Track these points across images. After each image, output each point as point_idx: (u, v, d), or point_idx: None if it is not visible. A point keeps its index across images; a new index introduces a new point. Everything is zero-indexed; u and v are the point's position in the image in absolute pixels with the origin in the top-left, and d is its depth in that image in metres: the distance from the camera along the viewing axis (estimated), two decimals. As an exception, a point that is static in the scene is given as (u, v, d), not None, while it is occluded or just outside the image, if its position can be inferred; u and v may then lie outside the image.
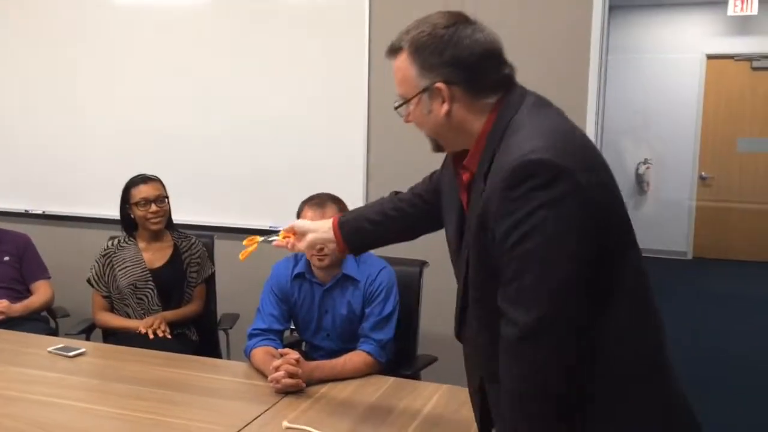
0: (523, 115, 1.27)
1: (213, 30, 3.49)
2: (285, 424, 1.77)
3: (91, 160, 3.75)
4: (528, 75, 3.13)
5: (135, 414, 1.86)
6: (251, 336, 2.30)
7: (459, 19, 1.31)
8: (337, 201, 2.36)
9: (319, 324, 2.37)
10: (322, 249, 2.15)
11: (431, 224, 1.65)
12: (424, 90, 1.32)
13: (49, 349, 2.36)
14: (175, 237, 2.95)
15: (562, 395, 1.18)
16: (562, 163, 1.16)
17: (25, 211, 3.90)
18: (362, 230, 1.71)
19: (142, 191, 2.83)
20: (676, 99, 7.07)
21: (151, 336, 2.63)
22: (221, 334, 3.04)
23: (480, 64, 1.29)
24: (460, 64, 1.28)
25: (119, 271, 2.83)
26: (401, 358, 2.43)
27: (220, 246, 3.16)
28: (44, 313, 3.15)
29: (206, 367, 2.26)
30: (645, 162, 7.27)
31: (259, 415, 1.84)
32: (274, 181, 3.45)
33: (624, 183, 7.24)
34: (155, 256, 2.89)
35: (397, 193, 1.74)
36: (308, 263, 2.35)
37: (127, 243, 2.89)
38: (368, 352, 2.19)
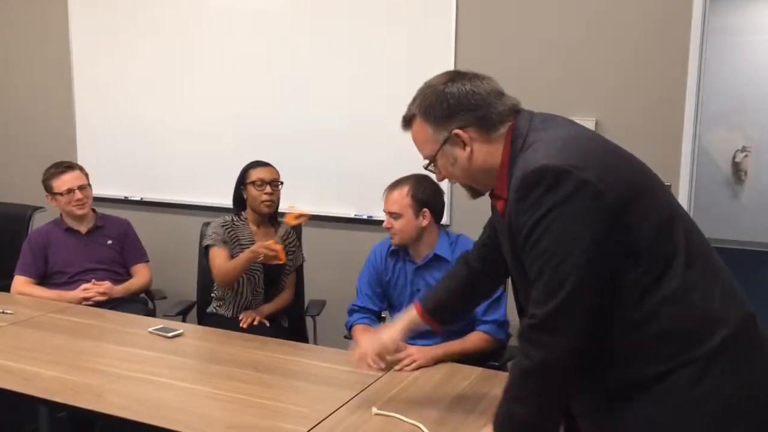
0: (532, 134, 1.39)
1: (298, 27, 3.55)
2: (374, 410, 1.79)
3: (186, 150, 3.90)
4: (626, 58, 3.06)
5: (230, 394, 1.93)
6: (350, 312, 2.54)
7: (454, 75, 1.47)
8: (412, 180, 2.45)
9: (411, 302, 2.38)
10: (390, 227, 2.42)
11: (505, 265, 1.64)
12: (445, 141, 1.46)
13: (149, 329, 2.48)
14: (277, 225, 2.97)
15: (564, 375, 1.32)
16: (562, 164, 1.26)
17: (125, 197, 4.10)
18: (450, 308, 1.86)
19: (260, 172, 2.89)
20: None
21: (246, 326, 2.71)
22: (308, 320, 3.11)
23: (483, 103, 1.43)
24: (466, 108, 1.43)
25: (233, 247, 2.86)
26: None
27: (307, 233, 3.23)
28: (143, 295, 3.31)
29: (298, 352, 2.32)
30: (743, 150, 6.89)
31: (348, 401, 1.88)
32: (358, 173, 3.49)
33: (720, 172, 6.90)
34: (264, 240, 2.84)
35: (465, 259, 1.83)
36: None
37: (240, 222, 2.93)
38: (485, 332, 2.32)
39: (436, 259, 2.41)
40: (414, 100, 1.52)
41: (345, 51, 3.47)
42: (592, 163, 1.28)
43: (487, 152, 1.44)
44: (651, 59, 2.84)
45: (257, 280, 2.88)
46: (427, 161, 1.53)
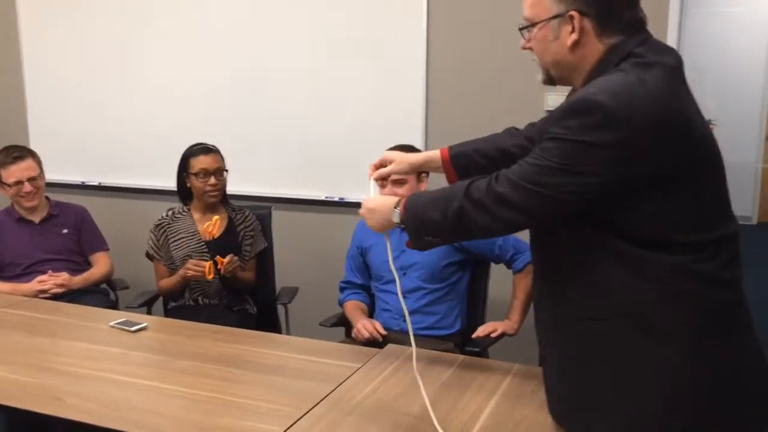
0: (628, 62, 1.28)
1: (258, 1, 3.38)
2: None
3: (146, 131, 3.72)
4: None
5: (201, 393, 1.81)
6: (341, 288, 2.62)
7: None
8: (411, 149, 2.38)
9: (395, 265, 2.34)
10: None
11: None
12: (556, 16, 1.32)
13: (111, 323, 2.34)
14: (228, 210, 2.89)
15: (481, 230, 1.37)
16: (619, 113, 1.19)
17: (81, 182, 3.91)
18: (476, 166, 1.69)
19: (201, 162, 2.76)
20: (744, 56, 6.69)
21: (210, 276, 2.64)
22: (280, 308, 2.99)
23: (621, 3, 1.31)
24: None
25: (173, 242, 2.80)
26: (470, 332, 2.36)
27: (278, 217, 3.10)
28: (104, 286, 3.16)
29: (270, 343, 2.20)
30: (709, 122, 6.92)
31: (327, 395, 1.77)
32: (330, 153, 3.36)
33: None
34: (209, 227, 2.79)
35: (516, 129, 1.71)
36: None
37: (182, 214, 2.85)
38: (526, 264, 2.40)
39: None
40: None
41: (309, 26, 3.32)
42: (650, 127, 1.21)
43: (589, 50, 1.33)
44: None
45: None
46: (525, 23, 1.39)
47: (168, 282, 2.81)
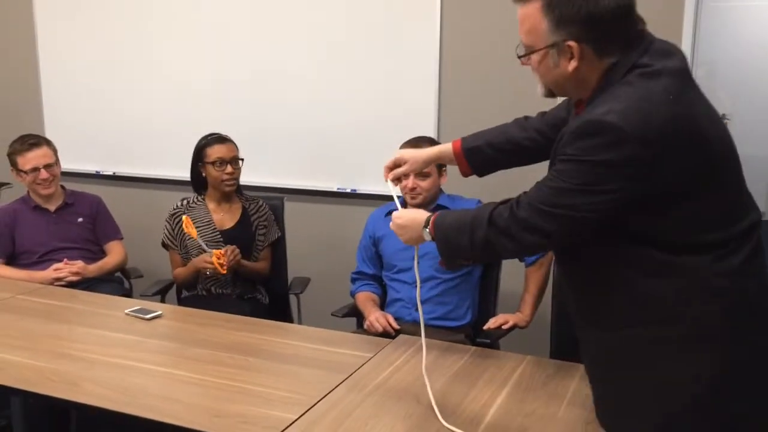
0: (632, 75, 1.28)
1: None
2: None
3: (160, 122, 3.75)
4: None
5: (215, 380, 1.84)
6: (352, 280, 2.64)
7: None
8: (431, 142, 2.45)
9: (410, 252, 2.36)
10: (414, 188, 2.40)
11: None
12: (553, 45, 1.32)
13: (127, 311, 2.37)
14: (242, 199, 2.91)
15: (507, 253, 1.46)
16: (628, 130, 1.20)
17: (96, 172, 3.94)
18: (487, 159, 1.71)
19: (217, 151, 2.77)
20: (759, 51, 6.63)
21: (224, 271, 2.63)
22: (292, 298, 3.01)
23: (612, 24, 1.28)
24: (594, 22, 1.28)
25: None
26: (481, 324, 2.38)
27: (290, 208, 3.12)
28: (118, 274, 3.19)
29: (283, 333, 2.23)
30: (723, 117, 6.87)
31: (339, 384, 1.79)
32: (342, 145, 3.37)
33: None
34: (225, 217, 2.86)
35: (526, 118, 1.72)
36: (405, 202, 2.48)
37: (196, 203, 2.86)
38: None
39: (439, 209, 2.37)
40: None
41: (323, 18, 3.32)
42: (662, 142, 1.22)
43: (589, 71, 1.33)
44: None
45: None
46: (524, 50, 1.39)
47: (182, 271, 2.82)
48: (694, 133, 1.25)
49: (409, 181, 2.42)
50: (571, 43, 1.29)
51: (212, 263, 2.60)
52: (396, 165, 1.76)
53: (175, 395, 1.75)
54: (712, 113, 1.33)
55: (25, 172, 2.98)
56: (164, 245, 2.90)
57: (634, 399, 1.37)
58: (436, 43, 3.10)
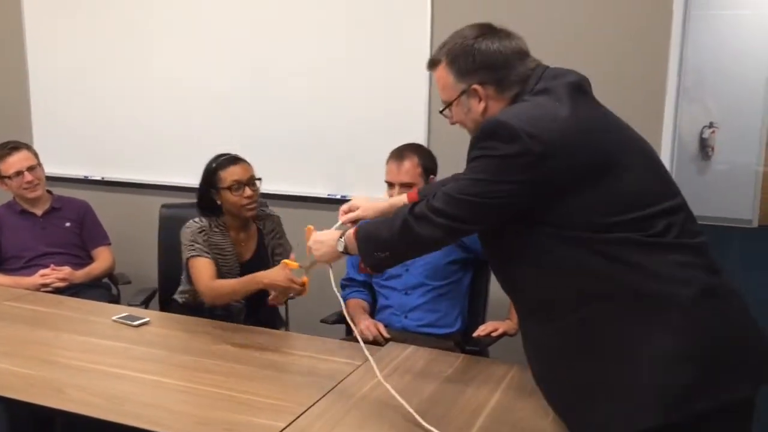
0: (526, 96, 1.51)
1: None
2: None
3: (150, 126, 3.72)
4: (608, 34, 2.98)
5: (201, 387, 1.82)
6: (342, 286, 2.62)
7: (486, 30, 1.57)
8: (417, 150, 2.49)
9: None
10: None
11: None
12: (463, 92, 1.56)
13: (114, 317, 2.35)
14: (257, 222, 2.65)
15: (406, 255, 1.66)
16: (517, 127, 1.39)
17: (84, 177, 3.91)
18: None
19: (233, 173, 2.46)
20: (747, 59, 6.68)
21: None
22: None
23: (505, 65, 1.52)
24: (489, 67, 1.53)
25: (213, 254, 2.49)
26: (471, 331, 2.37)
27: (281, 214, 3.10)
28: (106, 280, 3.16)
29: (272, 340, 2.21)
30: (710, 126, 6.93)
31: (327, 392, 1.78)
32: (331, 151, 3.36)
33: (686, 148, 6.93)
34: (244, 247, 2.60)
35: None
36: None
37: (218, 229, 2.53)
38: None
39: None
40: (443, 45, 1.60)
41: (312, 23, 3.32)
42: (549, 136, 1.38)
43: (496, 107, 1.54)
44: (634, 34, 2.76)
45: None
46: (444, 105, 1.62)
47: (236, 285, 2.37)
48: (581, 131, 1.42)
49: (395, 191, 2.41)
50: (475, 86, 1.54)
51: (299, 284, 2.13)
52: (350, 209, 1.95)
53: (161, 402, 1.73)
54: (607, 119, 1.51)
55: (9, 177, 2.96)
56: (189, 259, 2.46)
57: (594, 383, 1.40)
58: (426, 48, 3.10)
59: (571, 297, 1.43)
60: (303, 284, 2.11)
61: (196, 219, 2.52)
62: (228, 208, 2.51)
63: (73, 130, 3.90)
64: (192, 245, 2.45)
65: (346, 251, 1.73)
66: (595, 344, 1.40)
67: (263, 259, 2.59)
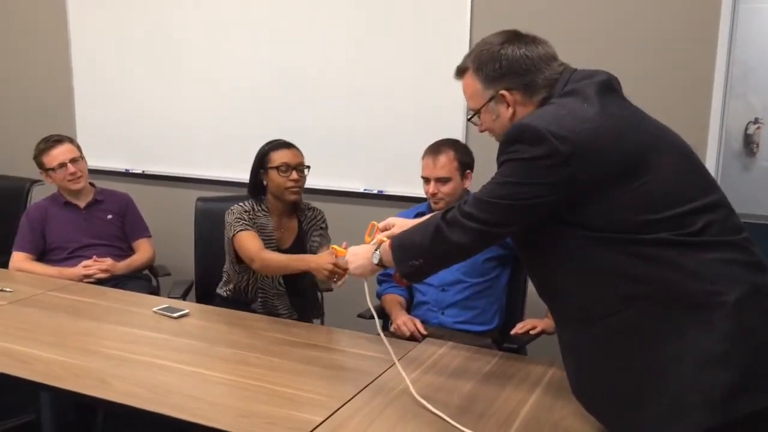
0: (554, 100, 1.50)
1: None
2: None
3: (189, 120, 3.78)
4: (654, 26, 2.91)
5: (241, 380, 1.84)
6: (379, 281, 2.62)
7: (512, 36, 1.57)
8: (453, 145, 2.47)
9: None
10: (435, 193, 2.44)
11: None
12: (491, 99, 1.57)
13: (154, 309, 2.39)
14: (299, 213, 2.71)
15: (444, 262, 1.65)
16: (542, 128, 1.38)
17: (125, 170, 3.98)
18: None
19: (283, 156, 2.55)
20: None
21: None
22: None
23: (533, 69, 1.53)
24: (516, 72, 1.53)
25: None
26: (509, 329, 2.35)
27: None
28: (146, 272, 3.21)
29: (310, 335, 2.22)
30: (756, 121, 6.74)
31: (364, 388, 1.79)
32: (369, 146, 3.36)
33: (730, 144, 6.75)
34: (285, 235, 2.65)
35: None
36: (430, 206, 2.51)
37: (261, 212, 2.60)
38: None
39: None
40: (470, 53, 1.62)
41: (352, 18, 3.32)
42: (576, 137, 1.37)
43: (524, 111, 1.54)
44: (681, 27, 2.70)
45: (273, 279, 2.59)
46: (472, 113, 1.63)
47: (279, 257, 2.44)
48: (609, 130, 1.41)
49: (431, 186, 2.41)
50: (503, 92, 1.55)
51: (342, 270, 2.15)
52: (386, 228, 1.92)
53: (202, 394, 1.76)
54: (637, 117, 1.49)
55: (53, 170, 3.02)
56: (236, 234, 2.50)
57: (636, 386, 1.38)
58: (465, 45, 3.07)
59: (609, 301, 1.40)
60: (346, 270, 2.10)
61: (241, 203, 2.61)
62: (273, 190, 2.58)
63: (114, 124, 3.98)
64: (238, 221, 2.53)
65: (381, 264, 1.74)
66: (637, 348, 1.38)
67: (302, 250, 2.62)
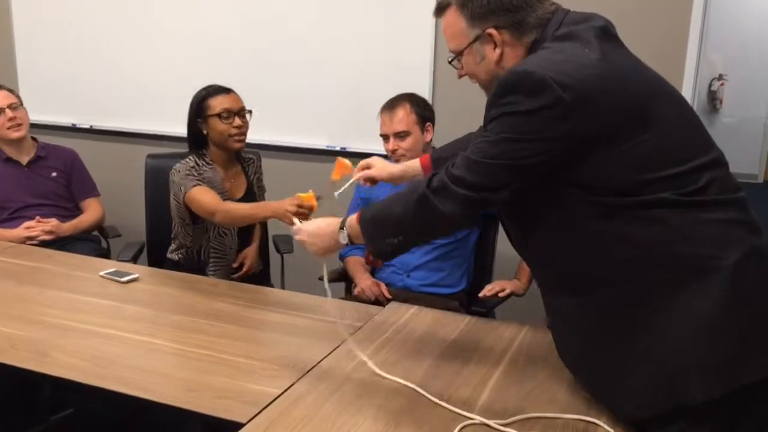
0: (548, 43, 1.34)
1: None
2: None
3: (143, 72, 3.56)
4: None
5: (193, 350, 1.72)
6: None
7: None
8: (409, 98, 2.35)
9: None
10: (395, 150, 2.32)
11: None
12: (476, 39, 1.41)
13: (101, 273, 2.25)
14: (242, 162, 2.60)
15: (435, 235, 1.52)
16: (545, 75, 1.23)
17: (72, 125, 3.76)
18: None
19: (223, 102, 2.39)
20: (756, 10, 6.45)
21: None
22: (276, 258, 2.89)
23: (524, 5, 1.37)
24: (506, 9, 1.37)
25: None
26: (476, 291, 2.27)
27: (274, 166, 2.97)
28: (95, 233, 3.05)
29: (268, 299, 2.11)
30: (720, 78, 6.74)
31: (325, 357, 1.68)
32: (332, 103, 3.21)
33: (695, 100, 6.75)
34: (234, 185, 2.53)
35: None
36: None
37: (206, 166, 2.44)
38: None
39: None
40: None
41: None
42: (577, 86, 1.24)
43: (516, 56, 1.39)
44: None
45: (231, 234, 2.50)
46: (453, 55, 1.47)
47: (243, 207, 2.31)
48: (614, 78, 1.28)
49: (390, 143, 2.29)
50: (490, 30, 1.38)
51: (306, 206, 2.00)
52: (367, 167, 1.81)
53: (149, 365, 1.63)
54: (639, 66, 1.37)
55: None
56: (189, 191, 2.36)
57: (631, 355, 1.30)
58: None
59: (604, 266, 1.31)
60: (311, 209, 2.01)
61: (183, 161, 2.43)
62: (215, 139, 2.42)
63: (60, 76, 3.76)
64: (188, 178, 2.37)
65: (350, 241, 1.52)
66: (633, 315, 1.29)
67: (254, 197, 2.53)
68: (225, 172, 2.50)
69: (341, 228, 1.52)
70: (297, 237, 1.63)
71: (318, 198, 1.98)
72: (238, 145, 2.43)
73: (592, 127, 1.26)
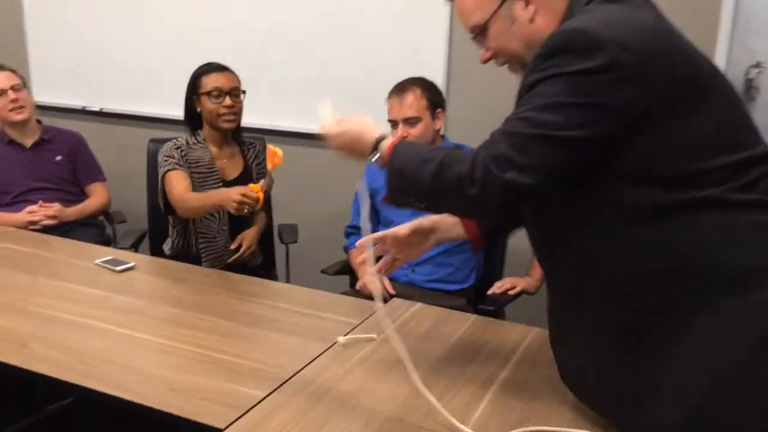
0: (594, 5, 1.17)
1: None
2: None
3: (152, 55, 3.47)
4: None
5: (181, 346, 1.63)
6: (347, 234, 2.44)
7: None
8: (420, 82, 2.23)
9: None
10: (405, 137, 2.13)
11: None
12: (504, 1, 1.22)
13: (97, 261, 2.17)
14: (240, 143, 2.53)
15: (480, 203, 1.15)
16: (601, 34, 1.07)
17: (82, 107, 3.69)
18: None
19: (215, 80, 2.35)
20: (803, -7, 6.15)
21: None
22: (281, 248, 2.78)
23: None
24: None
25: (192, 169, 2.37)
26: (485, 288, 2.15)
27: (285, 152, 2.86)
28: (101, 218, 2.98)
29: (266, 292, 2.01)
30: (757, 66, 6.45)
31: (320, 355, 1.58)
32: (337, 87, 3.08)
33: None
34: (228, 165, 2.45)
35: None
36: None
37: (198, 144, 2.40)
38: None
39: None
40: None
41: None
42: (638, 46, 1.07)
43: (549, 19, 1.21)
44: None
45: (221, 217, 2.40)
46: (476, 32, 1.29)
47: (197, 198, 2.27)
48: (672, 46, 1.11)
49: (399, 130, 2.17)
50: None
51: (253, 198, 1.98)
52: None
53: (132, 362, 1.54)
54: (689, 43, 1.17)
55: None
56: (165, 174, 2.35)
57: (663, 375, 1.11)
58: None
59: (634, 275, 1.13)
60: (257, 200, 1.97)
61: (176, 138, 2.39)
62: (207, 117, 2.38)
63: (71, 58, 3.67)
64: (167, 160, 2.33)
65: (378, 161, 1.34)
66: (662, 336, 1.10)
67: (250, 181, 2.39)
68: (218, 151, 2.43)
69: (375, 151, 1.35)
70: (333, 130, 1.47)
71: (265, 192, 1.96)
72: (226, 125, 2.37)
73: (651, 95, 1.07)
